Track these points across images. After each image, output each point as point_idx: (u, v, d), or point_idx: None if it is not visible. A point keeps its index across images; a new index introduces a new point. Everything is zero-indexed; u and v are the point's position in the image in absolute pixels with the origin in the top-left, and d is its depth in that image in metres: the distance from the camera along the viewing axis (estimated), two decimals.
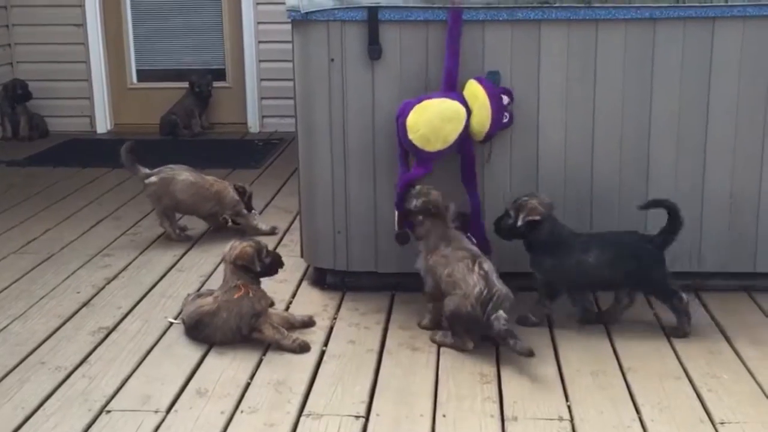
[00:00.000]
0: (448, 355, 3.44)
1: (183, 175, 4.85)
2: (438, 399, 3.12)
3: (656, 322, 3.74)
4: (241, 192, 4.96)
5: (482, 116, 3.66)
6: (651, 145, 3.88)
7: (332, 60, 3.85)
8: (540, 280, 3.67)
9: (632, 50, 3.80)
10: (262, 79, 7.90)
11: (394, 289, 4.04)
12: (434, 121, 3.60)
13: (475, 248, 3.56)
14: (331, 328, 3.69)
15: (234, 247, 3.57)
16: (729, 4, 3.72)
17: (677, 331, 3.58)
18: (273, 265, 3.62)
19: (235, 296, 3.51)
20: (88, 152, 7.23)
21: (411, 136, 3.62)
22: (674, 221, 3.56)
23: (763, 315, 3.80)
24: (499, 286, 3.39)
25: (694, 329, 3.63)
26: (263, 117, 8.00)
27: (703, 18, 3.75)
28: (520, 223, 3.55)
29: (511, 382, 3.23)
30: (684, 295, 3.58)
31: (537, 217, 3.55)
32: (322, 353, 3.46)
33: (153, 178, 4.79)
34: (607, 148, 3.89)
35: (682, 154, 3.89)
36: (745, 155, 3.88)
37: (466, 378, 3.26)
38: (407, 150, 3.71)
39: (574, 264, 3.59)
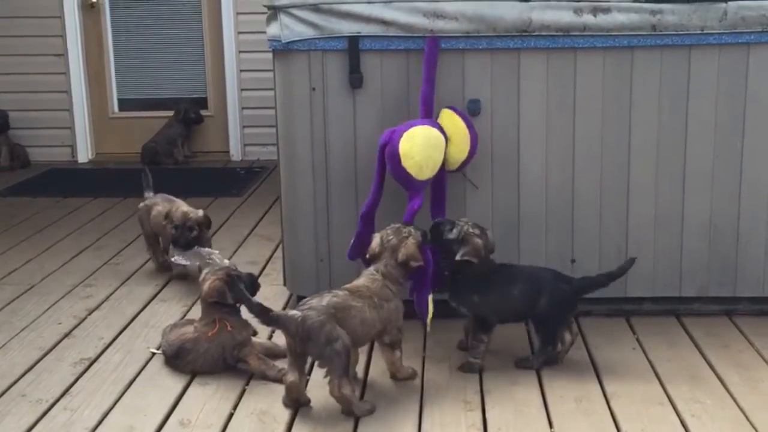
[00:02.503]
0: (431, 383, 3.44)
1: (159, 205, 4.81)
2: (422, 427, 3.11)
3: (639, 347, 3.75)
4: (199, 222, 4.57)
5: (462, 145, 3.65)
6: (631, 172, 3.92)
7: (314, 89, 3.87)
8: (472, 316, 3.57)
9: (611, 78, 3.85)
10: (244, 108, 7.92)
11: None
12: (427, 149, 3.55)
13: None
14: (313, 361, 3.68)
15: (204, 281, 3.56)
16: (705, 32, 3.77)
17: (525, 362, 3.54)
18: (247, 288, 3.57)
19: (209, 333, 3.50)
20: (70, 182, 7.21)
21: (405, 163, 3.52)
22: (608, 277, 3.51)
23: (745, 339, 3.82)
24: None
25: (677, 354, 3.66)
26: (245, 145, 8.01)
27: (679, 46, 3.80)
28: (457, 257, 3.46)
29: (495, 408, 3.23)
30: (558, 346, 3.53)
31: (474, 260, 3.47)
32: (306, 382, 3.44)
33: (141, 203, 4.86)
34: (588, 174, 3.92)
35: (662, 180, 3.92)
36: (724, 180, 3.91)
37: (450, 405, 3.26)
38: (398, 180, 3.62)
39: (498, 297, 3.51)
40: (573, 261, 3.97)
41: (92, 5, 7.86)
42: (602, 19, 3.76)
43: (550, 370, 3.52)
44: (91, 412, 3.25)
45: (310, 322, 3.08)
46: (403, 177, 3.57)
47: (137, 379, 3.52)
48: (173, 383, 3.47)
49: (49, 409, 3.28)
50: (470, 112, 3.83)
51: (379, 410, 3.22)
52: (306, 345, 3.11)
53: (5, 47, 7.75)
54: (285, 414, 3.20)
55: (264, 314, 3.13)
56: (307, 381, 3.38)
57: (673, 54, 3.82)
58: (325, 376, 3.14)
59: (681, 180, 3.92)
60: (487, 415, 3.18)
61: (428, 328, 3.62)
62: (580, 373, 3.52)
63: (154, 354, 3.75)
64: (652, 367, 3.56)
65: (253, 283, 3.64)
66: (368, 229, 3.63)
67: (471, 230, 3.49)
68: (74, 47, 7.80)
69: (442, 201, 3.78)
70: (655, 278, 4.00)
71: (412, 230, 3.42)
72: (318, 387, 3.40)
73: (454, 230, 3.49)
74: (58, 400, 3.35)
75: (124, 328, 4.05)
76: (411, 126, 3.61)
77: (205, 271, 3.65)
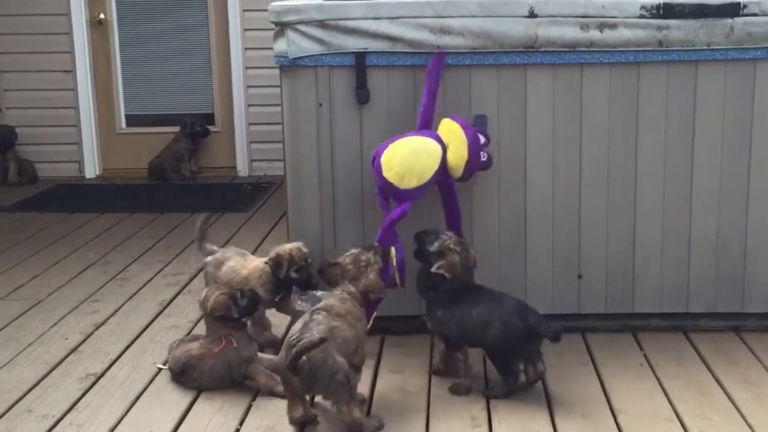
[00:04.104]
0: (438, 399, 3.43)
1: (232, 260, 4.18)
2: None
3: (646, 363, 3.74)
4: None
5: (459, 150, 3.61)
6: (638, 187, 3.91)
7: (320, 104, 3.89)
8: (438, 334, 3.54)
9: (617, 93, 3.85)
10: (250, 124, 7.93)
11: (384, 332, 4.03)
12: (408, 158, 3.55)
13: None
14: None
15: (207, 297, 3.55)
16: (711, 48, 3.77)
17: (490, 390, 3.45)
18: (250, 304, 3.59)
19: (215, 350, 3.50)
20: (77, 197, 7.23)
21: (386, 174, 3.56)
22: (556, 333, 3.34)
23: (753, 355, 3.80)
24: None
25: (684, 370, 3.64)
26: (252, 161, 8.02)
27: (686, 61, 3.80)
28: (433, 269, 3.43)
29: (502, 424, 3.22)
30: (522, 376, 3.39)
31: (447, 275, 3.42)
32: (312, 398, 3.44)
33: (209, 258, 4.19)
34: (594, 189, 3.92)
35: (669, 195, 3.92)
36: (731, 195, 3.91)
37: (457, 422, 3.25)
38: (384, 192, 3.64)
39: (459, 316, 3.44)
40: (580, 276, 3.97)
41: (100, 22, 7.89)
42: (608, 35, 3.77)
43: (557, 386, 3.50)
44: (98, 428, 3.24)
45: (314, 361, 3.00)
46: (387, 187, 3.59)
47: (143, 395, 3.52)
48: (180, 399, 3.47)
49: (55, 425, 3.28)
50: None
51: (387, 426, 3.21)
52: (313, 385, 3.05)
53: (14, 64, 7.78)
54: (291, 430, 3.19)
55: (294, 369, 3.02)
56: (313, 397, 3.38)
57: (679, 70, 3.82)
58: (333, 405, 3.10)
59: (688, 195, 3.91)
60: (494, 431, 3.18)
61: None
62: (587, 389, 3.51)
63: (160, 369, 3.74)
64: (660, 383, 3.55)
65: (254, 299, 3.63)
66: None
67: (452, 246, 3.45)
68: (82, 64, 7.83)
69: (455, 211, 3.77)
70: (662, 294, 3.99)
71: (371, 258, 3.36)
72: (322, 403, 3.39)
73: (436, 243, 3.46)
74: (64, 415, 3.35)
75: (131, 344, 4.05)
76: (398, 138, 3.63)
77: (206, 289, 3.65)
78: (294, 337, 3.05)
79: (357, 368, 3.27)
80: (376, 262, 3.37)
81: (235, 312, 3.53)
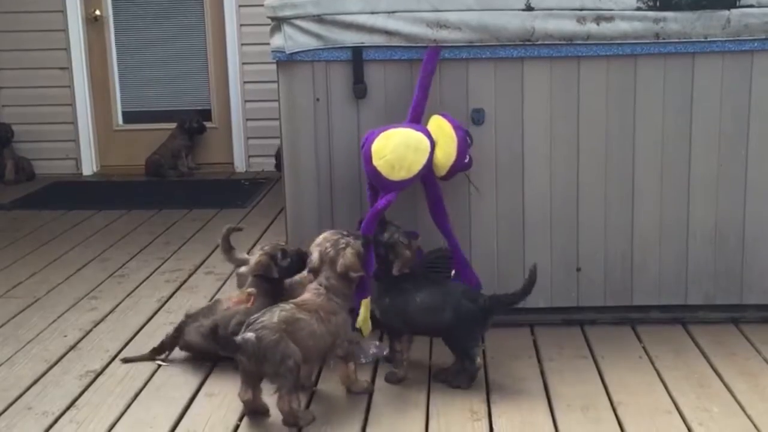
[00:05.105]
0: (438, 393, 3.43)
1: None
2: None
3: (645, 355, 3.74)
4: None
5: (448, 147, 3.61)
6: (635, 179, 3.91)
7: (317, 99, 3.88)
8: (382, 322, 3.56)
9: (614, 86, 3.85)
10: (248, 119, 7.93)
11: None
12: (400, 148, 3.54)
13: None
14: (320, 367, 3.67)
15: (252, 256, 3.68)
16: (708, 40, 3.77)
17: (456, 381, 3.45)
18: (294, 264, 3.64)
19: (249, 306, 3.58)
20: (74, 195, 7.23)
21: (376, 162, 3.54)
22: (516, 296, 3.40)
23: (752, 347, 3.80)
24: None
25: (683, 362, 3.64)
26: (249, 157, 8.01)
27: (683, 53, 3.80)
28: (395, 272, 3.45)
29: (502, 418, 3.22)
30: (478, 359, 3.43)
31: (407, 271, 3.47)
32: (312, 393, 3.44)
33: (243, 269, 4.16)
34: (592, 182, 3.92)
35: (667, 188, 3.92)
36: (729, 187, 3.91)
37: (457, 415, 3.25)
38: (371, 181, 3.64)
39: (403, 304, 3.47)
40: (578, 269, 3.97)
41: (96, 18, 7.88)
42: (605, 28, 3.76)
43: (557, 379, 3.51)
44: (97, 425, 3.24)
45: (266, 342, 3.08)
46: (374, 175, 3.58)
47: (143, 392, 3.52)
48: (179, 395, 3.47)
49: (55, 422, 3.27)
50: (474, 122, 3.84)
51: (386, 420, 3.22)
52: (262, 365, 3.10)
53: (10, 61, 7.77)
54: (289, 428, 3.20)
55: (226, 343, 3.13)
56: (314, 392, 3.38)
57: (676, 62, 3.82)
58: (275, 392, 3.14)
59: (686, 187, 3.91)
60: (494, 425, 3.17)
61: (363, 334, 3.64)
62: (586, 381, 3.51)
63: (159, 366, 3.74)
64: (659, 375, 3.55)
65: (300, 258, 3.64)
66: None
67: (400, 238, 3.49)
68: (78, 60, 7.82)
69: (439, 204, 3.76)
70: (661, 286, 3.99)
71: (351, 240, 3.39)
72: (318, 396, 3.40)
73: (385, 234, 3.50)
74: (64, 412, 3.35)
75: (130, 340, 4.05)
76: (390, 128, 3.63)
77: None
78: (254, 318, 3.16)
79: (344, 359, 3.37)
80: (355, 245, 3.38)
81: (276, 272, 3.61)
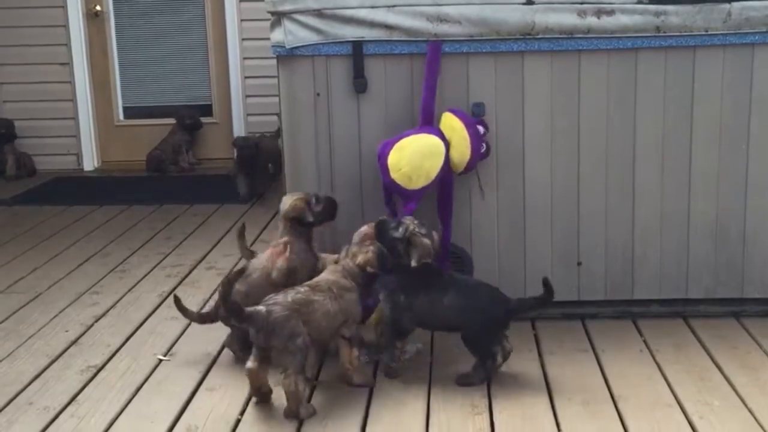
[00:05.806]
0: (439, 387, 3.43)
1: None
2: (430, 431, 3.11)
3: (646, 349, 3.74)
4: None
5: (462, 147, 3.66)
6: (636, 173, 3.91)
7: (318, 94, 3.88)
8: (386, 317, 3.52)
9: (615, 80, 3.85)
10: (248, 114, 7.92)
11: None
12: (414, 158, 3.60)
13: None
14: (322, 362, 3.68)
15: (285, 202, 3.69)
16: (709, 33, 3.76)
17: (467, 378, 3.43)
18: (326, 209, 3.69)
19: (285, 257, 3.61)
20: (76, 190, 7.23)
21: (393, 175, 3.62)
22: (543, 300, 3.41)
23: (753, 340, 3.80)
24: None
25: (685, 356, 3.64)
26: None
27: (684, 47, 3.79)
28: (414, 263, 3.40)
29: (503, 413, 3.22)
30: (498, 357, 3.42)
31: (429, 261, 3.43)
32: (313, 387, 3.44)
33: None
34: (593, 176, 3.92)
35: (667, 182, 3.91)
36: (730, 181, 3.91)
37: (458, 410, 3.25)
38: (390, 190, 3.70)
39: (427, 303, 3.43)
40: (579, 263, 3.97)
41: (96, 14, 7.88)
42: (606, 21, 3.76)
43: (557, 373, 3.51)
44: (99, 420, 3.24)
45: (275, 315, 3.14)
46: (394, 187, 3.66)
47: (144, 386, 3.52)
48: (180, 390, 3.47)
49: (56, 417, 3.28)
50: (474, 116, 3.83)
51: (387, 414, 3.22)
52: (270, 338, 3.14)
53: (10, 56, 7.77)
54: (292, 422, 3.19)
55: (235, 312, 3.15)
56: (315, 386, 3.38)
57: (677, 55, 3.81)
58: (281, 372, 3.15)
59: (687, 181, 3.91)
60: (494, 420, 3.17)
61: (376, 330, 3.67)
62: (587, 375, 3.51)
63: (161, 361, 3.75)
64: (660, 368, 3.55)
65: (332, 204, 3.70)
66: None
67: (417, 230, 3.45)
68: (79, 56, 7.82)
69: (448, 203, 3.79)
70: (661, 280, 3.99)
71: (377, 245, 3.44)
72: (319, 390, 3.40)
73: (400, 228, 3.46)
74: (65, 407, 3.35)
75: (131, 335, 4.06)
76: (403, 137, 3.66)
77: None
78: (269, 297, 3.24)
79: (350, 342, 3.38)
80: (379, 248, 3.41)
81: (310, 216, 3.64)
